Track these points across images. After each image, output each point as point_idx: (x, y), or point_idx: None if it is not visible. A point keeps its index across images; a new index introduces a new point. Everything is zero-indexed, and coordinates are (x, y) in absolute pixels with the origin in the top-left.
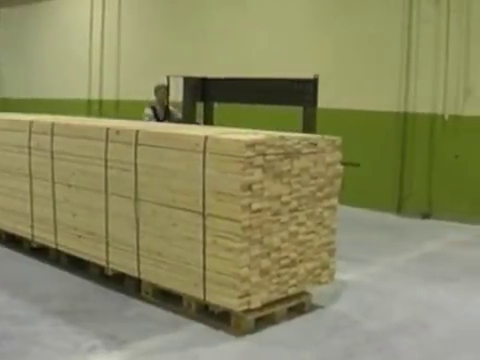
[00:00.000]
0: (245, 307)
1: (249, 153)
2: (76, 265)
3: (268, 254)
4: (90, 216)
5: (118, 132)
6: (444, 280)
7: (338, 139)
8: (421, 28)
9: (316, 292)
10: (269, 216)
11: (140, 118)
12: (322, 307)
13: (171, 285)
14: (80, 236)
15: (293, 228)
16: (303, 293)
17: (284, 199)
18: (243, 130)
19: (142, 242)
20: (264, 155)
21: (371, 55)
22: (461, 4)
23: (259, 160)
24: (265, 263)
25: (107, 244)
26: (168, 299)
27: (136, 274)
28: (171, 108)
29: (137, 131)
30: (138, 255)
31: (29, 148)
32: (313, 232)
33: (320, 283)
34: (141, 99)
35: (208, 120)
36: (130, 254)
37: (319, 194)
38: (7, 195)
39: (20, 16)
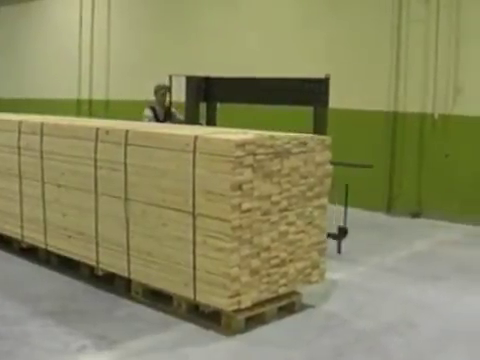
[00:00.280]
0: (235, 307)
1: (239, 153)
2: (66, 265)
3: (258, 254)
4: (80, 216)
5: (108, 132)
6: (434, 279)
7: (328, 138)
8: (411, 27)
9: (306, 291)
10: (259, 216)
11: (130, 118)
12: (312, 306)
13: (161, 285)
14: (70, 236)
15: (283, 228)
16: (293, 293)
17: (274, 199)
18: (233, 130)
19: (132, 242)
20: (254, 155)
21: (361, 54)
22: (451, 3)
23: (249, 160)
24: (255, 263)
25: (97, 244)
26: (158, 299)
27: (126, 274)
28: (173, 110)
29: (127, 131)
30: (128, 255)
31: (18, 148)
32: (303, 232)
33: (310, 282)
34: (131, 99)
35: (211, 121)
36: (120, 254)
37: (309, 193)
38: None
39: (11, 16)
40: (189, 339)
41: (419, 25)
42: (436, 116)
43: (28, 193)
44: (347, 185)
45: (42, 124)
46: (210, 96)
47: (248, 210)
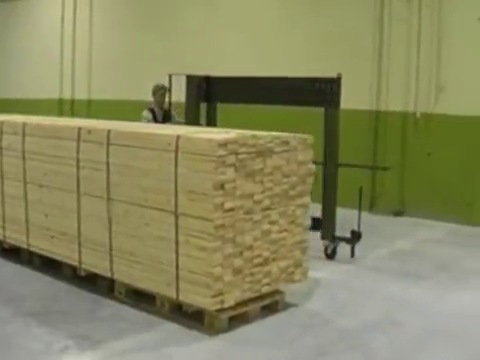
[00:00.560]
0: (218, 306)
1: (221, 152)
2: (48, 266)
3: (241, 253)
4: (62, 216)
5: (90, 132)
6: (416, 278)
7: (310, 137)
8: (393, 26)
9: (289, 290)
10: (242, 215)
11: (112, 117)
12: (295, 305)
13: (144, 285)
14: (52, 237)
15: (266, 227)
16: (276, 292)
17: (256, 198)
18: (216, 129)
19: (115, 242)
20: (236, 154)
21: (342, 53)
22: (433, 2)
23: (231, 159)
24: (238, 262)
25: (80, 244)
26: (141, 299)
27: (109, 274)
28: (173, 113)
29: (109, 131)
30: (111, 255)
31: (0, 149)
32: (285, 230)
33: (293, 281)
34: (113, 98)
35: (211, 122)
36: (103, 254)
37: (291, 192)
38: None
39: None
40: (172, 339)
41: (401, 24)
42: (418, 115)
43: (10, 193)
44: (361, 188)
45: (24, 124)
46: (211, 96)
47: (231, 209)
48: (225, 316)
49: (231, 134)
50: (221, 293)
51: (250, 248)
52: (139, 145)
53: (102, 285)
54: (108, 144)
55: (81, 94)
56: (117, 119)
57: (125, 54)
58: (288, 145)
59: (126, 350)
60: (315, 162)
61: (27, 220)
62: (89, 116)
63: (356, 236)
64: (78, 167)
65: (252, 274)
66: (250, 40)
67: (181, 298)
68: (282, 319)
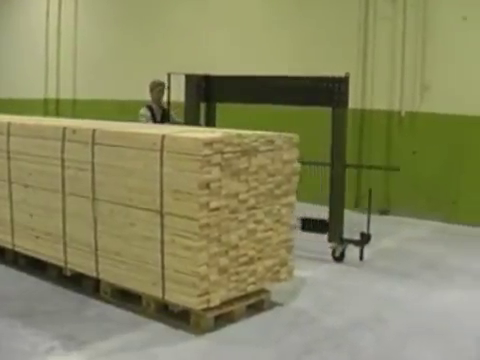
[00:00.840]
0: (204, 305)
1: (207, 151)
2: (34, 266)
3: (226, 252)
4: (47, 216)
5: (75, 131)
6: (402, 276)
7: (295, 136)
8: (378, 25)
9: (275, 289)
10: (227, 214)
11: (97, 118)
12: (281, 304)
13: (130, 285)
14: (38, 237)
15: (251, 226)
16: (262, 290)
17: (242, 197)
18: (201, 129)
19: (100, 242)
20: (222, 153)
21: (328, 52)
22: (417, 1)
23: (217, 158)
24: (223, 261)
25: (65, 244)
26: (127, 299)
27: (94, 274)
28: (171, 113)
29: (94, 130)
30: (96, 255)
31: None
32: (271, 229)
33: (279, 280)
34: (99, 98)
35: (210, 122)
36: (88, 254)
37: (277, 191)
38: None
39: None
40: (158, 339)
41: (386, 23)
42: (403, 114)
43: None
44: (370, 190)
45: (9, 124)
46: (212, 96)
47: (216, 208)
48: (211, 315)
49: (216, 133)
50: (207, 292)
51: (235, 247)
52: (124, 145)
53: (88, 285)
54: (93, 144)
55: (66, 94)
56: (103, 119)
57: (111, 53)
58: (273, 144)
59: (112, 350)
60: (322, 163)
61: (12, 220)
62: (74, 116)
63: (366, 238)
64: (63, 167)
65: (238, 273)
66: (236, 39)
67: (167, 298)
68: (268, 318)
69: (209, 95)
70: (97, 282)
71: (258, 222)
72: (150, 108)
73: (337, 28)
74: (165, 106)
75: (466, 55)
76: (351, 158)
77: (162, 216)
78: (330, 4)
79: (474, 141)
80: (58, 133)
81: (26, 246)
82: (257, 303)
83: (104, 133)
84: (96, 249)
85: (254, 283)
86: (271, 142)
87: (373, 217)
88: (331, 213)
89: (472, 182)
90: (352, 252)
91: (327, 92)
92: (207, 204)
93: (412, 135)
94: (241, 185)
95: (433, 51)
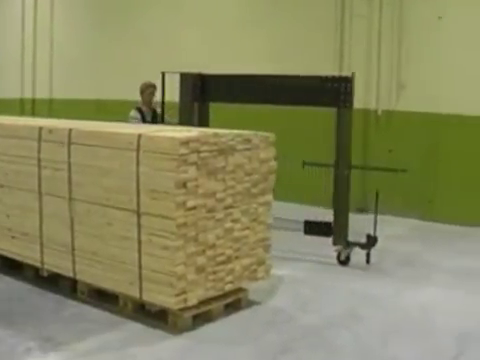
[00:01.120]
0: (182, 305)
1: (183, 150)
2: (10, 267)
3: (203, 251)
4: (24, 217)
5: (51, 131)
6: (378, 273)
7: (272, 135)
8: (354, 24)
9: (252, 288)
10: (204, 213)
11: (73, 117)
12: (259, 303)
13: (107, 285)
14: (14, 237)
15: (228, 225)
16: (239, 289)
17: (219, 196)
18: (178, 128)
19: (77, 242)
20: (198, 152)
21: (304, 51)
22: (393, 0)
23: (193, 157)
24: (201, 260)
25: (42, 245)
26: (104, 299)
27: (71, 274)
28: (166, 116)
29: (70, 130)
30: (73, 255)
31: None
32: (248, 228)
33: (256, 279)
34: (76, 98)
35: (203, 122)
36: (65, 254)
37: (254, 190)
38: None
39: None
40: (136, 338)
41: (362, 22)
42: (380, 112)
43: None
44: (377, 192)
45: None
46: (208, 95)
47: (193, 208)
48: (189, 315)
49: (193, 132)
50: (184, 292)
51: (213, 246)
52: (101, 144)
53: (64, 285)
54: (69, 143)
55: (42, 93)
56: (80, 118)
57: (87, 53)
58: (250, 143)
59: (89, 351)
60: (327, 164)
61: None
62: (51, 116)
63: (372, 241)
64: (39, 167)
65: (215, 272)
66: (212, 39)
67: (144, 297)
68: (246, 317)
69: (205, 95)
70: (74, 282)
71: (235, 221)
72: (140, 110)
73: (313, 27)
74: (156, 107)
75: (441, 54)
76: (329, 157)
77: (139, 216)
78: (306, 2)
79: (450, 139)
80: (34, 133)
81: (2, 246)
82: (235, 302)
83: (80, 133)
84: (73, 249)
85: (231, 282)
86: (248, 141)
87: (350, 215)
88: (336, 215)
89: (448, 180)
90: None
91: (332, 92)
92: (184, 203)
93: (388, 134)
94: (218, 184)
95: (409, 50)
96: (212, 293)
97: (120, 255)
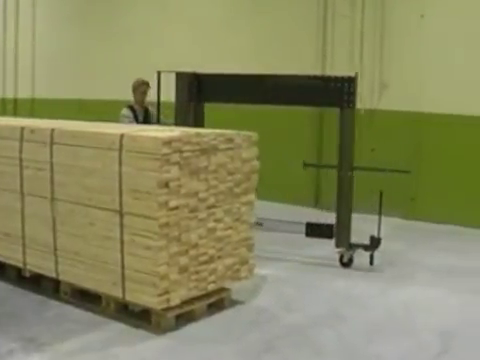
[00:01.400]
0: (165, 305)
1: (165, 150)
2: None
3: (186, 251)
4: (6, 217)
5: (33, 131)
6: (362, 272)
7: (254, 135)
8: (336, 23)
9: (236, 287)
10: (186, 213)
11: (56, 117)
12: (242, 302)
13: (90, 285)
14: None
15: (211, 224)
16: (223, 289)
17: (201, 196)
18: (160, 128)
19: (59, 242)
20: (181, 152)
21: (287, 50)
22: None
23: (175, 157)
24: (183, 260)
25: (24, 245)
26: (87, 299)
27: (54, 275)
28: (161, 117)
29: (52, 130)
30: (56, 255)
31: None
32: (231, 228)
33: (239, 279)
34: (58, 98)
35: (198, 122)
36: (47, 255)
37: (236, 190)
38: None
39: None
40: (119, 339)
41: (345, 20)
42: (362, 112)
43: None
44: (381, 192)
45: None
46: (206, 95)
47: (175, 208)
48: (172, 315)
49: (175, 132)
50: (167, 292)
51: (195, 246)
52: (83, 144)
53: (47, 286)
54: (52, 143)
55: (25, 93)
56: (62, 118)
57: (70, 52)
58: (232, 142)
59: (72, 351)
60: (330, 166)
61: None
62: (33, 115)
63: (376, 242)
64: (21, 167)
65: (198, 272)
66: (197, 38)
67: (127, 297)
68: (229, 316)
69: (203, 95)
70: (57, 283)
71: (218, 221)
72: (132, 109)
73: (296, 26)
74: (148, 106)
75: (424, 53)
76: (311, 157)
77: (121, 216)
78: (289, 2)
79: (432, 138)
80: (16, 133)
81: None
82: (218, 302)
83: (63, 133)
84: (55, 249)
85: (214, 282)
86: (230, 140)
87: (333, 214)
88: (338, 217)
89: (430, 179)
90: (312, 250)
91: (335, 92)
92: (166, 203)
93: (371, 133)
94: (200, 184)
95: (391, 49)
96: (195, 293)
97: (103, 255)
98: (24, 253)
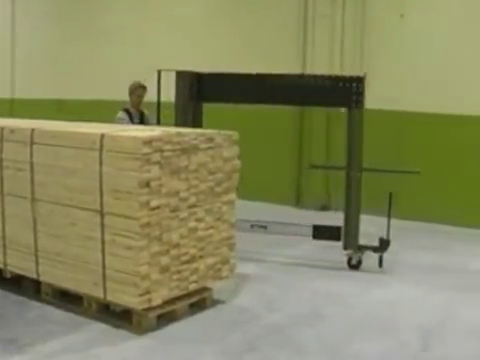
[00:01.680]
0: (146, 305)
1: (146, 150)
2: None
3: (168, 251)
4: None
5: (13, 131)
6: (342, 271)
7: (235, 134)
8: (317, 22)
9: (217, 287)
10: (168, 213)
11: (36, 117)
12: (223, 302)
13: (71, 285)
14: None
15: (192, 224)
16: (204, 289)
17: (182, 195)
18: (141, 127)
19: (40, 243)
20: (161, 151)
21: (267, 50)
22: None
23: (156, 157)
24: (165, 260)
25: (4, 246)
26: (68, 300)
27: (35, 276)
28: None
29: (32, 130)
30: (36, 256)
31: None
32: (212, 227)
33: (221, 278)
34: (38, 98)
35: (197, 123)
36: (28, 255)
37: (217, 189)
38: None
39: None
40: (100, 339)
41: (325, 21)
42: (343, 110)
43: None
44: (391, 194)
45: None
46: (208, 95)
47: (156, 207)
48: (153, 315)
49: (156, 132)
50: (148, 292)
51: (177, 246)
52: (63, 144)
53: (28, 287)
54: (32, 143)
55: (4, 93)
56: (42, 118)
57: (50, 52)
58: (213, 142)
59: (54, 352)
60: (337, 167)
61: None
62: (13, 116)
63: (385, 244)
64: (1, 167)
65: (179, 272)
66: (176, 37)
67: (108, 298)
68: (210, 316)
69: (204, 94)
70: (38, 283)
71: (199, 220)
72: (128, 111)
73: (276, 26)
74: (144, 110)
75: (404, 52)
76: (292, 157)
77: (102, 216)
78: (269, 2)
79: (412, 137)
80: None
81: None
82: (199, 301)
83: (43, 133)
84: (36, 250)
85: (196, 281)
86: (211, 140)
87: (314, 213)
88: (346, 219)
89: (412, 177)
90: (293, 250)
91: (344, 92)
92: (147, 203)
93: None
94: (181, 183)
95: (371, 48)
96: (176, 293)
97: (84, 255)
98: (5, 254)
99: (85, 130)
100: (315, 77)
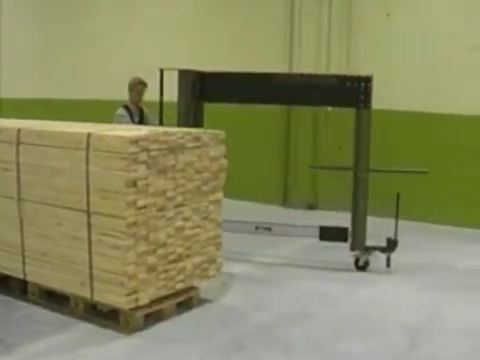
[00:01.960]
0: (133, 305)
1: (133, 149)
2: None
3: (154, 250)
4: None
5: None
6: (329, 271)
7: (221, 133)
8: (303, 21)
9: (204, 286)
10: (154, 212)
11: (23, 117)
12: (210, 301)
13: (57, 285)
14: None
15: (179, 223)
16: (191, 288)
17: (169, 194)
18: (127, 127)
19: (26, 243)
20: (148, 151)
21: (253, 49)
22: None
23: (143, 156)
24: (152, 259)
25: None
26: (55, 300)
27: (21, 276)
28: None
29: (19, 130)
30: (23, 256)
31: None
32: (199, 227)
33: (208, 277)
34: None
35: (198, 123)
36: (15, 255)
37: (204, 188)
38: None
39: None
40: (87, 339)
41: (312, 20)
42: (329, 109)
43: None
44: (398, 194)
45: None
46: (211, 95)
47: (143, 207)
48: (140, 314)
49: (142, 131)
50: (135, 291)
51: (164, 245)
52: (50, 144)
53: (15, 287)
54: (18, 143)
55: None
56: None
57: (36, 51)
58: (200, 141)
59: (41, 352)
60: (345, 167)
61: None
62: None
63: (392, 245)
64: None
65: (166, 271)
66: (162, 37)
67: (95, 298)
68: (198, 315)
69: (208, 94)
70: (24, 283)
71: (186, 219)
72: (128, 109)
73: (263, 25)
74: (143, 107)
75: (390, 51)
76: (279, 156)
77: (89, 215)
78: (255, 1)
79: (398, 136)
80: None
81: None
82: (186, 301)
83: (29, 132)
84: (23, 250)
85: (183, 281)
86: (198, 139)
87: (301, 212)
88: (354, 220)
89: (397, 176)
90: (280, 249)
91: (351, 92)
92: (134, 202)
93: (338, 130)
94: (168, 182)
95: (358, 47)
96: (163, 292)
97: (70, 255)
98: None
99: (71, 130)
100: (323, 77)
